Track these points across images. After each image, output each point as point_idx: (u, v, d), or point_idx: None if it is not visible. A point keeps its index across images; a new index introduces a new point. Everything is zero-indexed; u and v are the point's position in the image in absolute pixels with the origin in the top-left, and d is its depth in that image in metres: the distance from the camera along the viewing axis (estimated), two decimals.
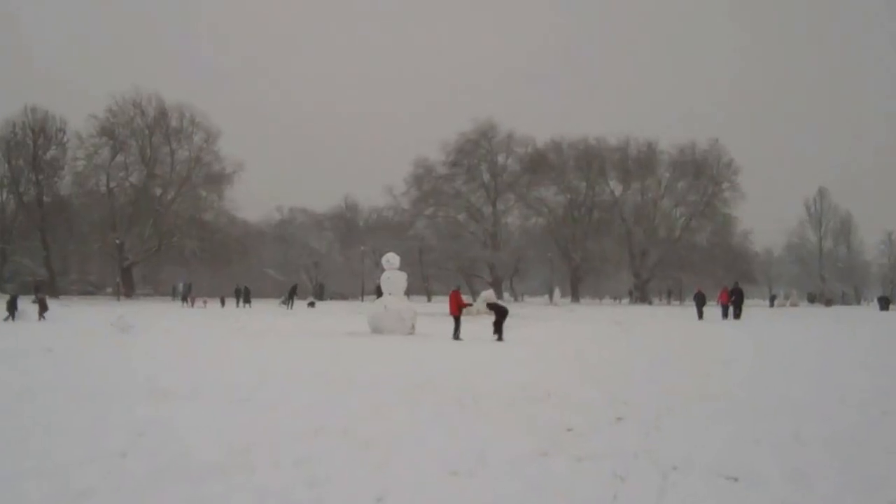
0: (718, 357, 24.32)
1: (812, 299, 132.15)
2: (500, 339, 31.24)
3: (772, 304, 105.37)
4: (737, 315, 53.15)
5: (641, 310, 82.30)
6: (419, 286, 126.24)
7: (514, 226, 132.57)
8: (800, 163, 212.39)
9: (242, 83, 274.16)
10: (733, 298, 54.31)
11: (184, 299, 79.59)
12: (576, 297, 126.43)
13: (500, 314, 32.24)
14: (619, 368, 20.63)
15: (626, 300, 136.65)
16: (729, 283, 65.04)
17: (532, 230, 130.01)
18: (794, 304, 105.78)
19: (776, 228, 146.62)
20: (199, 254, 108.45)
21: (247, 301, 79.53)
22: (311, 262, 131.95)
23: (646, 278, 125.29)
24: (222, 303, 78.17)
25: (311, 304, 78.81)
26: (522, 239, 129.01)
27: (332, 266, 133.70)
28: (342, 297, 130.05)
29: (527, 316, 57.06)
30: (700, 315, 54.42)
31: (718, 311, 56.01)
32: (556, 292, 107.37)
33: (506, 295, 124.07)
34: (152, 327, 38.37)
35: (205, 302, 75.98)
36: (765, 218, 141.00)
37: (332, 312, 63.89)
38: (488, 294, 58.69)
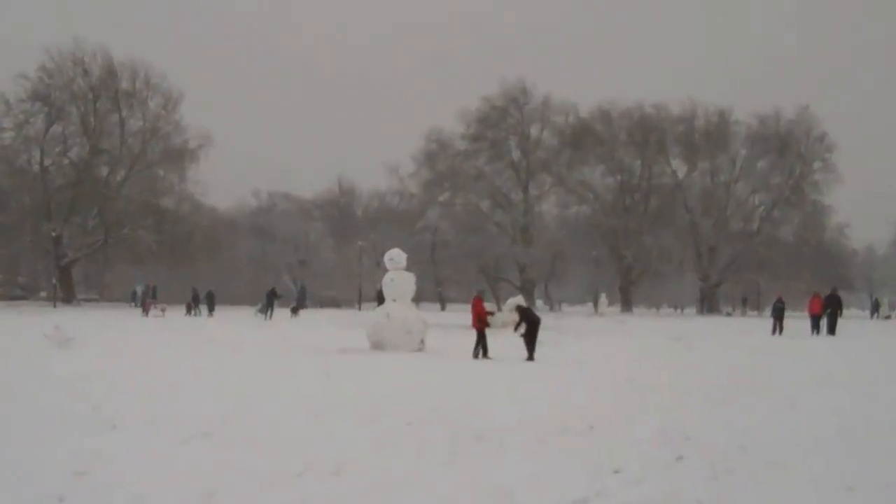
0: (805, 382, 24.28)
1: None
2: (530, 357, 31.21)
3: (873, 316, 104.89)
4: (831, 329, 52.72)
5: (709, 322, 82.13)
6: (431, 291, 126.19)
7: (550, 215, 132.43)
8: None
9: (210, 35, 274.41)
10: (828, 309, 53.77)
11: (144, 306, 79.57)
12: (627, 305, 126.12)
13: (531, 324, 32.16)
14: (680, 395, 20.62)
15: (690, 309, 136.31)
16: (820, 289, 64.66)
17: (573, 221, 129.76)
18: None
19: (880, 220, 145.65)
20: (157, 249, 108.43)
21: (210, 309, 79.33)
22: (295, 261, 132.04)
23: (715, 282, 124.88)
24: (188, 310, 78.23)
25: (295, 311, 78.94)
26: (561, 232, 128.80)
27: (321, 265, 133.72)
28: (335, 303, 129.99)
29: (565, 329, 56.99)
30: (778, 328, 53.94)
31: (806, 323, 55.66)
32: (603, 299, 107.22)
33: (539, 303, 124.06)
34: (97, 341, 38.43)
35: (163, 309, 76.02)
36: (865, 207, 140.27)
37: (321, 323, 63.98)
38: (517, 301, 58.57)
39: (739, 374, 26.59)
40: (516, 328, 33.06)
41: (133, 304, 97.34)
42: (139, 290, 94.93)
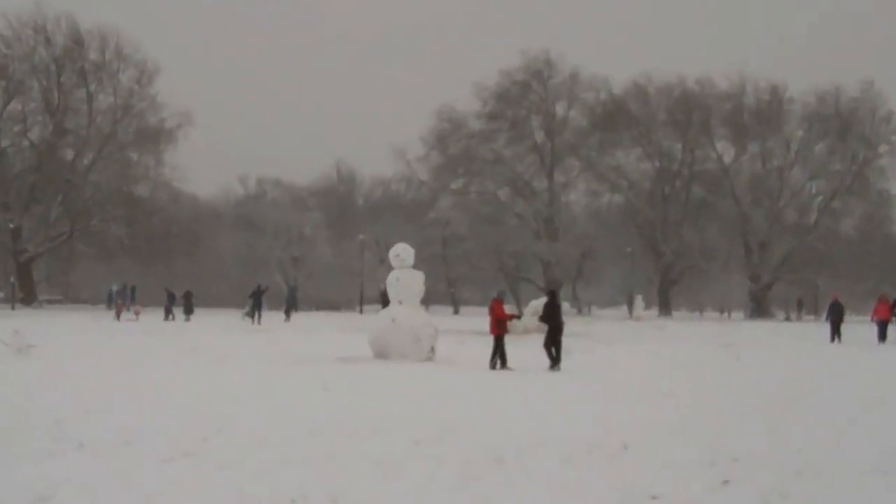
0: (869, 396, 24.27)
1: None
2: (555, 366, 31.19)
3: None
4: None
5: (759, 327, 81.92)
6: (442, 292, 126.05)
7: (578, 206, 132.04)
8: None
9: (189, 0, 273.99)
10: None
11: (116, 308, 79.10)
12: (666, 308, 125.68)
13: (552, 328, 32.05)
14: (726, 411, 20.63)
15: (738, 313, 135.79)
16: (887, 290, 64.32)
17: (605, 212, 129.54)
18: None
19: None
20: (129, 243, 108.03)
21: (188, 311, 78.22)
22: (287, 257, 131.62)
23: (767, 282, 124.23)
24: (167, 314, 77.76)
25: (287, 314, 79.00)
26: (590, 225, 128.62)
27: (317, 262, 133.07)
28: (333, 305, 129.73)
29: (595, 336, 56.88)
30: (835, 335, 53.43)
31: (871, 329, 55.43)
32: (639, 302, 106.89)
33: (566, 305, 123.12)
34: (62, 348, 38.46)
35: (136, 312, 75.70)
36: None
37: (318, 328, 63.92)
38: (541, 304, 58.40)
39: (794, 388, 26.58)
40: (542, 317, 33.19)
41: (108, 305, 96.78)
42: (115, 289, 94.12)
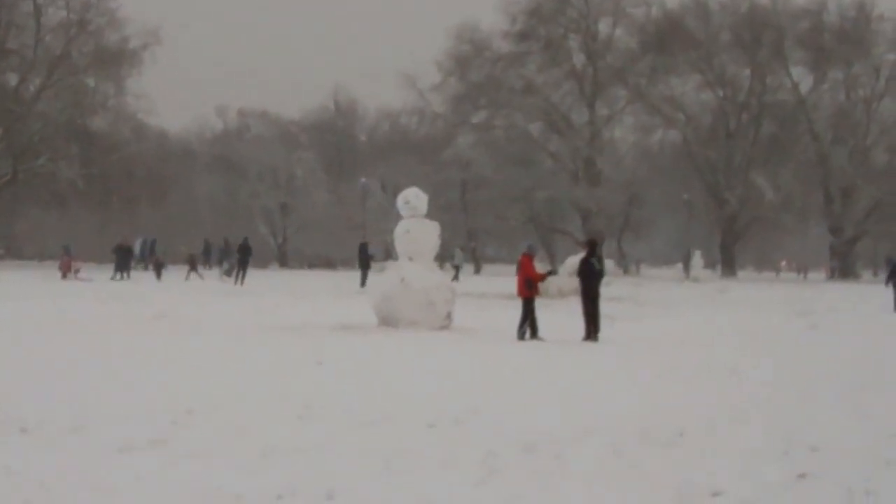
0: None
1: None
2: (591, 336, 31.10)
3: None
4: None
5: (843, 291, 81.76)
6: (461, 246, 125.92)
7: (625, 144, 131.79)
8: None
9: None
10: None
11: (155, 266, 78.16)
12: (730, 267, 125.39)
13: (587, 280, 31.85)
14: (802, 392, 20.54)
15: (817, 274, 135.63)
16: None
17: (656, 152, 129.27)
18: None
19: None
20: (84, 187, 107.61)
21: (122, 268, 76.67)
22: (275, 205, 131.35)
23: (851, 236, 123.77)
24: (158, 271, 77.26)
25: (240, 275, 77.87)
26: (640, 167, 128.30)
27: (310, 212, 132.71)
28: (328, 263, 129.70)
29: (645, 299, 56.94)
30: None
31: None
32: (697, 259, 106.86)
33: (609, 263, 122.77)
34: (1, 314, 38.52)
35: (76, 271, 74.55)
36: None
37: (311, 291, 63.85)
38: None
39: (884, 364, 26.50)
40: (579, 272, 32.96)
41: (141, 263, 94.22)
42: (138, 245, 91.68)
